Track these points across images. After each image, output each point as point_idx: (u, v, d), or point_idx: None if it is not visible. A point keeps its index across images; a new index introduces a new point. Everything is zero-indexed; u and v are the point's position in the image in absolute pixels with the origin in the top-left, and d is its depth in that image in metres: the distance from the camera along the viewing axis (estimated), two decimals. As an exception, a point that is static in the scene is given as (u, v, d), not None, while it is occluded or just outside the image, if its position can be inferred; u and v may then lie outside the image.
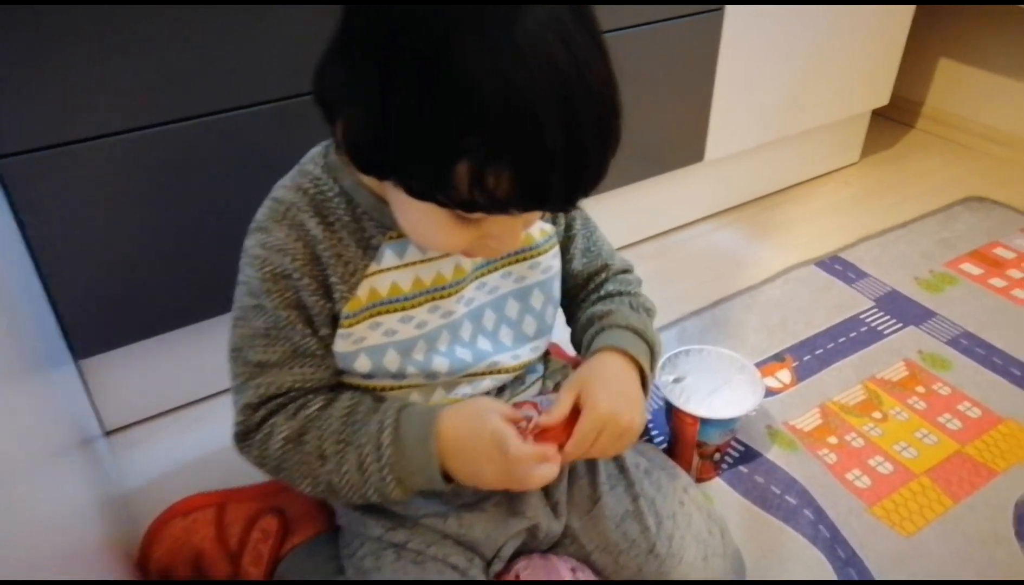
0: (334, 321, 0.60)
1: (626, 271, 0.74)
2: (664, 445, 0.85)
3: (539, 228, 0.67)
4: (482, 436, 0.57)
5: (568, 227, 0.71)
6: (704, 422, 0.77)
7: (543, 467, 0.57)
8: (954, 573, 0.75)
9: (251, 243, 0.60)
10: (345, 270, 0.59)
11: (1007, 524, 0.79)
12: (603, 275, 0.73)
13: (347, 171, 0.59)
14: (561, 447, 0.59)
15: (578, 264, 0.72)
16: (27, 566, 0.41)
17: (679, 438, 0.81)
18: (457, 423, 0.58)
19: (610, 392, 0.61)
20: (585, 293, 0.73)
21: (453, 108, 0.45)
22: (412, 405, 0.61)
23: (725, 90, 1.15)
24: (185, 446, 0.90)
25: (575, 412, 0.60)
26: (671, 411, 0.80)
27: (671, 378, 0.81)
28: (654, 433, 0.87)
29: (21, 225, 0.74)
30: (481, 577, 0.65)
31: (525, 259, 0.67)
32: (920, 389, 0.96)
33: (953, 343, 1.03)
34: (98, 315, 0.82)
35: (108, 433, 0.92)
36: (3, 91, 0.68)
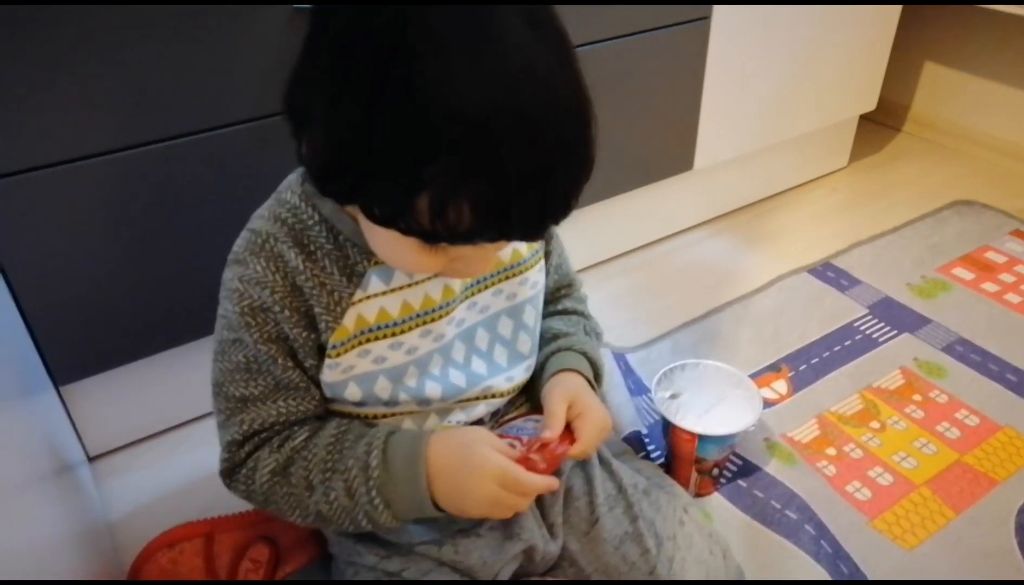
0: (320, 351, 0.58)
1: (580, 290, 0.76)
2: (661, 461, 0.84)
3: (525, 244, 0.66)
4: (469, 465, 0.56)
5: (547, 241, 0.70)
6: (702, 438, 0.76)
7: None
8: (958, 586, 0.74)
9: (229, 276, 0.58)
10: (330, 299, 0.57)
11: (1009, 535, 0.78)
12: (565, 291, 0.74)
13: (326, 200, 0.57)
14: (557, 459, 0.59)
15: (551, 279, 0.72)
16: None
17: (677, 455, 0.80)
18: (446, 450, 0.57)
19: (594, 399, 0.65)
20: (547, 306, 0.73)
21: (410, 136, 0.43)
22: (400, 432, 0.60)
23: (713, 98, 1.14)
24: (170, 470, 0.87)
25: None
26: (668, 427, 0.78)
27: (667, 394, 0.80)
28: (651, 448, 0.86)
29: (-5, 251, 0.71)
30: (479, 605, 0.63)
31: (515, 275, 0.66)
32: (917, 397, 0.95)
33: (948, 350, 1.02)
34: (77, 341, 0.79)
35: (91, 459, 0.90)
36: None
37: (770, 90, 1.21)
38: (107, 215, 0.75)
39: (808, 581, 0.73)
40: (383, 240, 0.52)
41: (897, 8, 1.29)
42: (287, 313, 0.56)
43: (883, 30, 1.30)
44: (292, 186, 0.59)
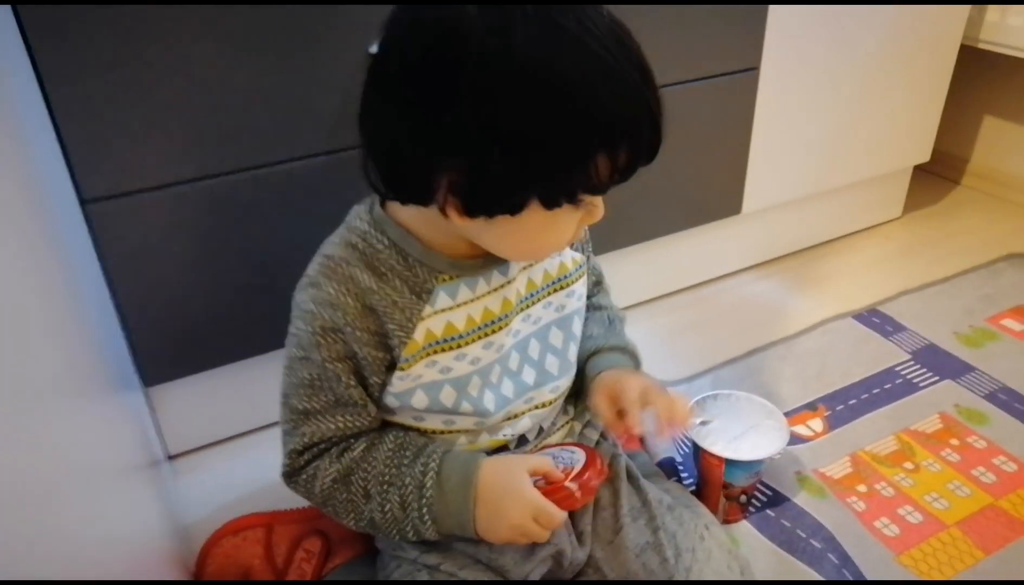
0: (391, 367, 0.64)
1: (604, 281, 0.84)
2: (692, 487, 0.87)
3: (571, 257, 0.72)
4: (511, 497, 0.62)
5: (583, 248, 0.76)
6: (729, 463, 0.80)
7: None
8: (982, 625, 0.75)
9: (303, 298, 0.63)
10: (402, 316, 0.63)
11: (1038, 578, 0.78)
12: (595, 288, 0.82)
13: (393, 223, 0.63)
14: (592, 490, 0.65)
15: (589, 280, 0.79)
16: (97, 572, 0.46)
17: (706, 479, 0.83)
18: (492, 480, 0.63)
19: (633, 375, 0.72)
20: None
21: (582, 123, 0.51)
22: (454, 452, 0.65)
23: (762, 145, 1.19)
24: (240, 471, 0.95)
25: (590, 451, 0.68)
26: (698, 452, 0.82)
27: (699, 421, 0.84)
28: (684, 475, 0.90)
29: (101, 261, 0.82)
30: (509, 603, 0.69)
31: (563, 288, 0.72)
32: (954, 442, 0.96)
33: (991, 398, 1.03)
34: (165, 346, 0.89)
35: (171, 457, 0.99)
36: (86, 145, 0.76)
37: (819, 139, 1.25)
38: (198, 234, 0.85)
39: (807, 581, 0.74)
40: (532, 230, 0.58)
41: (951, 59, 1.31)
42: (358, 333, 0.62)
43: (937, 82, 1.33)
44: (360, 214, 0.66)
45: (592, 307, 0.80)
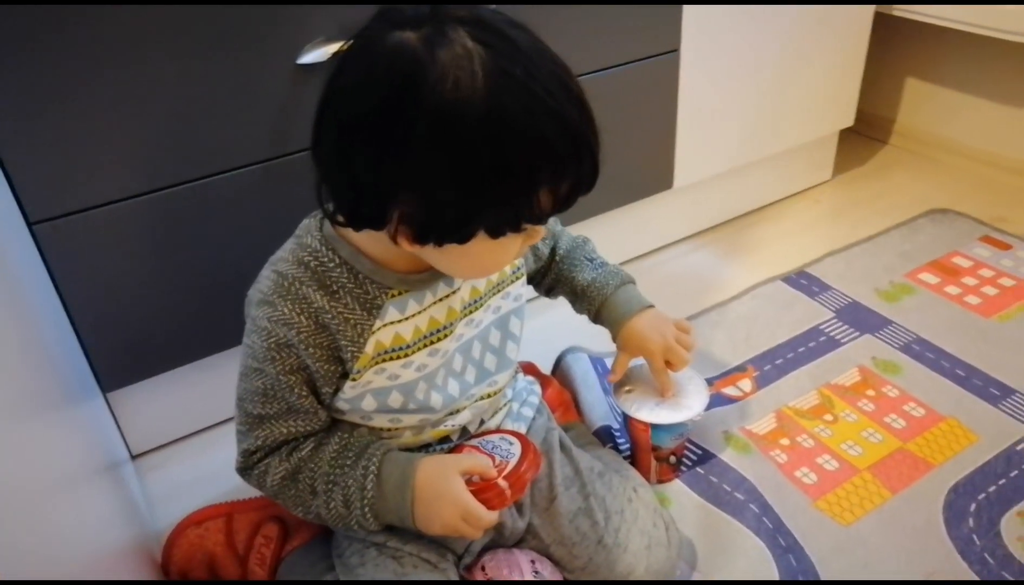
0: (343, 377, 0.69)
1: (565, 236, 0.90)
2: (628, 453, 0.94)
3: (522, 255, 0.78)
4: (443, 499, 0.67)
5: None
6: (654, 427, 0.86)
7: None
8: (888, 560, 0.82)
9: (258, 315, 0.67)
10: (353, 332, 0.67)
11: (937, 512, 0.86)
12: (552, 239, 0.88)
13: (344, 242, 0.67)
14: (523, 484, 0.70)
15: (545, 249, 0.87)
16: (67, 570, 0.50)
17: (636, 444, 0.90)
18: (426, 482, 0.68)
19: (657, 342, 0.83)
20: (548, 262, 0.88)
21: (528, 163, 0.56)
22: (392, 454, 0.70)
23: (688, 121, 1.24)
24: (201, 465, 1.00)
25: (525, 443, 0.73)
26: (627, 420, 0.89)
27: (625, 389, 0.90)
28: (620, 442, 0.96)
29: (51, 276, 0.85)
30: (452, 570, 0.74)
31: (500, 291, 0.77)
32: (870, 392, 1.04)
33: (905, 349, 1.11)
34: (121, 352, 0.93)
35: (134, 456, 1.04)
36: (29, 169, 0.79)
37: (744, 111, 1.31)
38: (146, 246, 0.89)
39: (808, 581, 0.81)
40: (479, 255, 0.62)
41: (867, 26, 1.37)
42: (311, 350, 0.66)
43: (855, 48, 1.39)
44: (311, 230, 0.69)
45: (571, 260, 0.87)
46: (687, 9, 1.15)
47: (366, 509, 0.68)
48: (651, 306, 0.86)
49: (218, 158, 0.89)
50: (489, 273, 0.72)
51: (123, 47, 0.79)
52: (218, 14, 0.82)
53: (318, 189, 0.62)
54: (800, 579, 0.81)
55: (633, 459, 0.92)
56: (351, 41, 0.58)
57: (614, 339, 0.86)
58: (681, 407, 0.87)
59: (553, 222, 0.88)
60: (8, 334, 0.61)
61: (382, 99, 0.55)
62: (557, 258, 0.87)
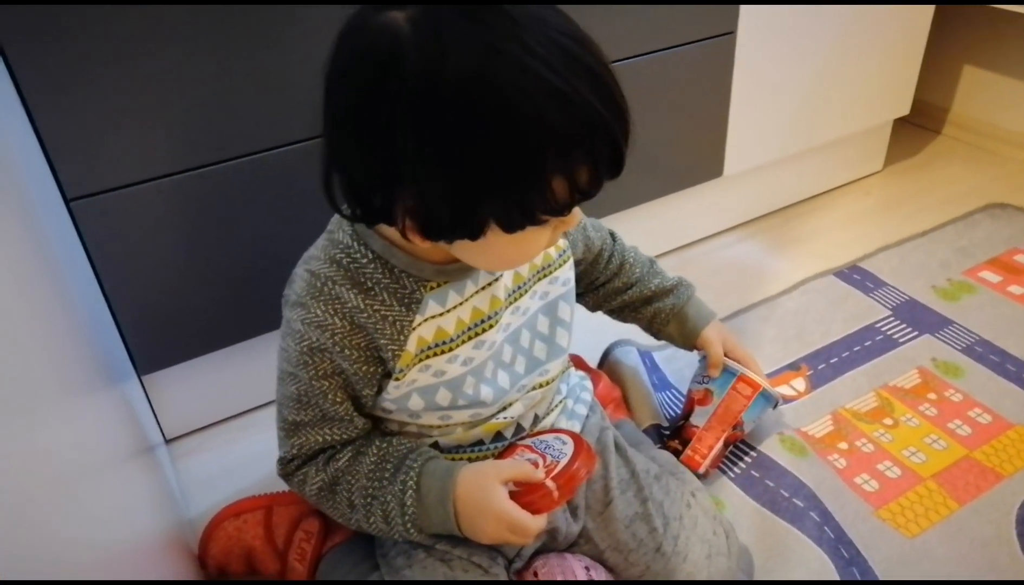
0: (386, 376, 0.65)
1: (613, 234, 0.87)
2: (678, 421, 0.90)
3: (553, 245, 0.73)
4: (486, 511, 0.63)
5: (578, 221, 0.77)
6: (759, 395, 0.84)
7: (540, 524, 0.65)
8: (956, 574, 0.78)
9: (292, 316, 0.64)
10: (392, 329, 0.63)
11: (1010, 527, 0.82)
12: (609, 242, 0.85)
13: (376, 235, 0.63)
14: (572, 484, 0.65)
15: (597, 240, 0.82)
16: (104, 557, 0.48)
17: (724, 411, 0.85)
18: (466, 495, 0.64)
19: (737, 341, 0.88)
20: (608, 263, 0.85)
21: (527, 147, 0.50)
22: (430, 465, 0.66)
23: (741, 107, 1.19)
24: (237, 452, 0.98)
25: (578, 441, 0.69)
26: (727, 381, 0.85)
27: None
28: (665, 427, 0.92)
29: (89, 257, 0.82)
30: (503, 574, 0.71)
31: (547, 275, 0.73)
32: (932, 396, 0.99)
33: (967, 350, 1.06)
34: (157, 335, 0.90)
35: (168, 441, 1.01)
36: (67, 146, 0.76)
37: (798, 98, 1.25)
38: (183, 225, 0.86)
39: (813, 581, 0.77)
40: (502, 248, 0.57)
41: (929, 12, 1.31)
42: (347, 352, 0.63)
43: (915, 35, 1.33)
44: (343, 226, 0.65)
45: (629, 264, 0.86)
46: (747, -12, 1.10)
47: (408, 525, 0.65)
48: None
49: (256, 138, 0.86)
50: (516, 266, 0.67)
51: (161, 27, 0.76)
52: (264, -13, 0.78)
53: (326, 186, 0.57)
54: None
55: (681, 434, 0.87)
56: (345, 25, 0.54)
57: (693, 337, 0.87)
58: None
59: (596, 220, 0.84)
60: (50, 313, 0.59)
61: (364, 85, 0.51)
62: (628, 263, 0.86)
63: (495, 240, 0.55)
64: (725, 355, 0.86)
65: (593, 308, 0.89)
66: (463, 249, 0.58)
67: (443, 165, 0.50)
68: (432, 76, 0.48)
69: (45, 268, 0.63)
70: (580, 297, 0.88)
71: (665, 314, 0.87)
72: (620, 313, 0.89)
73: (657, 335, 0.89)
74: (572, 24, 0.52)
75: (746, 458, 0.91)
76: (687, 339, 0.87)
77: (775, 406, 0.88)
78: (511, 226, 0.54)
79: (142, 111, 0.79)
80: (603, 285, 0.86)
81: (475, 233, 0.54)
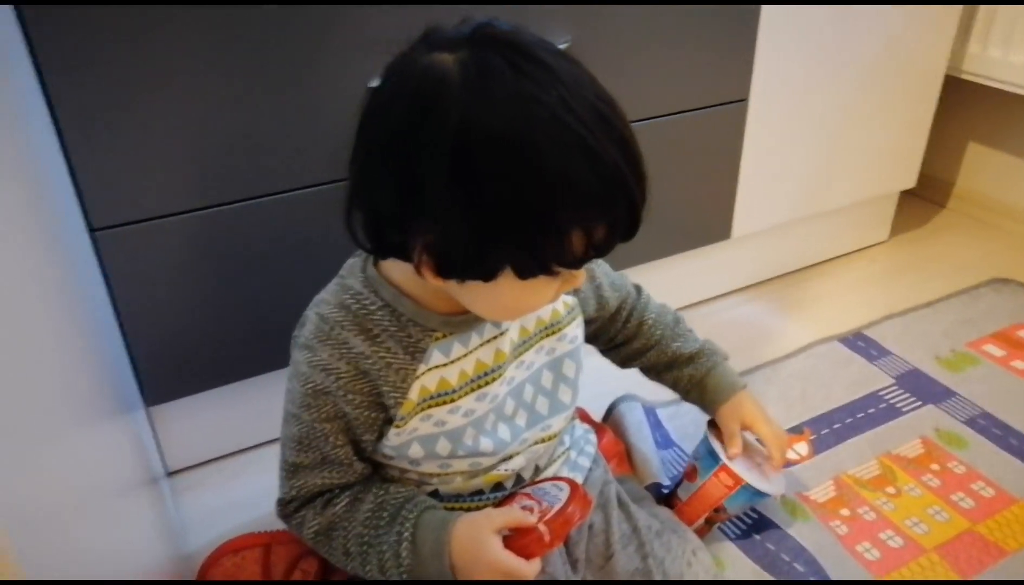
0: (387, 422, 0.66)
1: (642, 293, 0.87)
2: (669, 488, 0.89)
3: (563, 301, 0.74)
4: (482, 562, 0.63)
5: (592, 279, 0.78)
6: (741, 488, 0.81)
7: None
8: (958, 648, 0.77)
9: (299, 358, 0.65)
10: (396, 377, 0.64)
11: (1012, 603, 0.81)
12: (630, 300, 0.84)
13: (386, 283, 0.64)
14: (564, 528, 0.65)
15: (612, 299, 0.81)
16: None
17: (702, 495, 0.84)
18: (460, 548, 0.64)
19: (765, 419, 0.83)
20: (625, 323, 0.84)
21: (556, 199, 0.52)
22: (426, 516, 0.66)
23: (751, 171, 1.22)
24: (238, 488, 0.98)
25: (574, 487, 0.68)
26: (710, 466, 0.82)
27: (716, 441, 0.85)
28: (665, 486, 0.92)
29: (107, 284, 0.84)
30: (501, 624, 0.71)
31: (554, 333, 0.74)
32: (935, 466, 0.99)
33: (971, 423, 1.06)
34: (168, 366, 0.91)
35: (170, 474, 1.01)
36: (96, 176, 0.79)
37: (807, 166, 1.28)
38: (198, 261, 0.88)
39: (811, 581, 0.77)
40: (509, 295, 0.58)
41: (936, 89, 1.35)
42: (350, 397, 0.64)
43: (922, 110, 1.36)
44: (354, 271, 0.67)
45: (649, 324, 0.85)
46: (759, 58, 1.13)
47: (404, 574, 0.65)
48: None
49: (281, 178, 0.88)
50: (519, 316, 0.67)
51: (194, 63, 0.79)
52: (291, 35, 0.81)
53: (347, 215, 0.59)
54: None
55: (675, 504, 0.86)
56: (392, 62, 0.56)
57: (716, 407, 0.84)
58: (768, 479, 0.83)
59: (620, 277, 0.84)
60: (69, 338, 0.60)
61: (405, 120, 0.53)
62: (647, 324, 0.84)
63: (506, 286, 0.56)
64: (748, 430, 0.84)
65: (621, 365, 0.89)
66: (471, 293, 0.59)
67: (469, 205, 0.52)
68: (473, 120, 0.50)
69: (67, 292, 0.64)
70: (605, 353, 0.89)
71: (685, 382, 0.85)
72: (647, 373, 0.88)
73: (684, 399, 0.88)
74: (605, 91, 0.55)
75: (747, 519, 0.91)
76: (708, 411, 0.86)
77: (779, 496, 0.85)
78: (524, 273, 0.55)
79: (171, 147, 0.81)
80: (623, 345, 0.86)
81: (488, 276, 0.55)
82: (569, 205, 0.52)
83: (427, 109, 0.52)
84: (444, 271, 0.56)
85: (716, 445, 0.83)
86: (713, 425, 0.87)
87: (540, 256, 0.54)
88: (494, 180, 0.51)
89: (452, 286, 0.58)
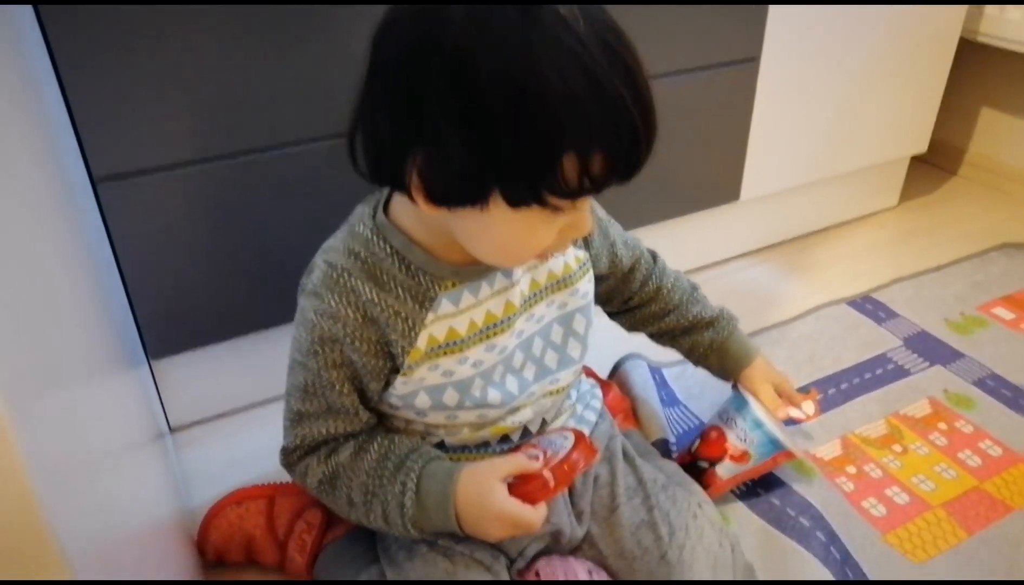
0: (393, 372, 0.65)
1: (657, 258, 0.86)
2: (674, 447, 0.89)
3: (574, 256, 0.73)
4: (487, 512, 0.63)
5: (588, 245, 0.76)
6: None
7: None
8: (963, 602, 0.77)
9: (306, 305, 0.64)
10: (404, 325, 0.63)
11: (1020, 559, 0.81)
12: (645, 264, 0.84)
13: (396, 230, 0.63)
14: (569, 474, 0.65)
15: (626, 258, 0.80)
16: (110, 541, 0.47)
17: (752, 474, 0.85)
18: (468, 498, 0.63)
19: (787, 379, 0.87)
20: (643, 285, 0.84)
21: (549, 117, 0.50)
22: (431, 467, 0.66)
23: (761, 133, 1.20)
24: (239, 445, 0.98)
25: (579, 435, 0.68)
26: (767, 451, 0.82)
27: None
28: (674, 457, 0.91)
29: (109, 236, 0.83)
30: (504, 573, 0.71)
31: (566, 287, 0.73)
32: (942, 426, 0.98)
33: (979, 384, 1.05)
34: (170, 320, 0.91)
35: (172, 431, 1.01)
36: (97, 126, 0.78)
37: (818, 128, 1.26)
38: (204, 213, 0.87)
39: (807, 581, 0.77)
40: (503, 231, 0.56)
41: (950, 52, 1.33)
42: (357, 344, 0.63)
43: (936, 74, 1.34)
44: (363, 219, 0.66)
45: (667, 290, 0.85)
46: (771, 18, 1.11)
47: (408, 525, 0.65)
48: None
49: (282, 131, 0.87)
50: (520, 260, 0.64)
51: (197, 12, 0.77)
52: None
53: (350, 139, 0.58)
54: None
55: (707, 482, 0.86)
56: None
57: (733, 374, 0.86)
58: (791, 437, 0.84)
59: (634, 238, 0.83)
60: (83, 291, 0.59)
61: (407, 39, 0.52)
62: (666, 288, 0.85)
63: (498, 217, 0.55)
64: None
65: (630, 329, 0.88)
66: (466, 227, 0.58)
67: (463, 121, 0.51)
68: (474, 40, 0.49)
69: (79, 244, 0.64)
70: (615, 316, 0.88)
71: (704, 347, 0.86)
72: (659, 339, 0.88)
73: (696, 364, 0.88)
74: (614, 22, 0.53)
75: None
76: (727, 374, 0.87)
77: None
78: (515, 199, 0.53)
79: (173, 96, 0.80)
80: (638, 308, 0.85)
81: (476, 198, 0.54)
82: (566, 126, 0.50)
83: (425, 35, 0.51)
84: (434, 194, 0.55)
85: (772, 427, 0.82)
86: (735, 389, 0.87)
87: (531, 181, 0.52)
88: (488, 94, 0.50)
89: (446, 217, 0.57)
